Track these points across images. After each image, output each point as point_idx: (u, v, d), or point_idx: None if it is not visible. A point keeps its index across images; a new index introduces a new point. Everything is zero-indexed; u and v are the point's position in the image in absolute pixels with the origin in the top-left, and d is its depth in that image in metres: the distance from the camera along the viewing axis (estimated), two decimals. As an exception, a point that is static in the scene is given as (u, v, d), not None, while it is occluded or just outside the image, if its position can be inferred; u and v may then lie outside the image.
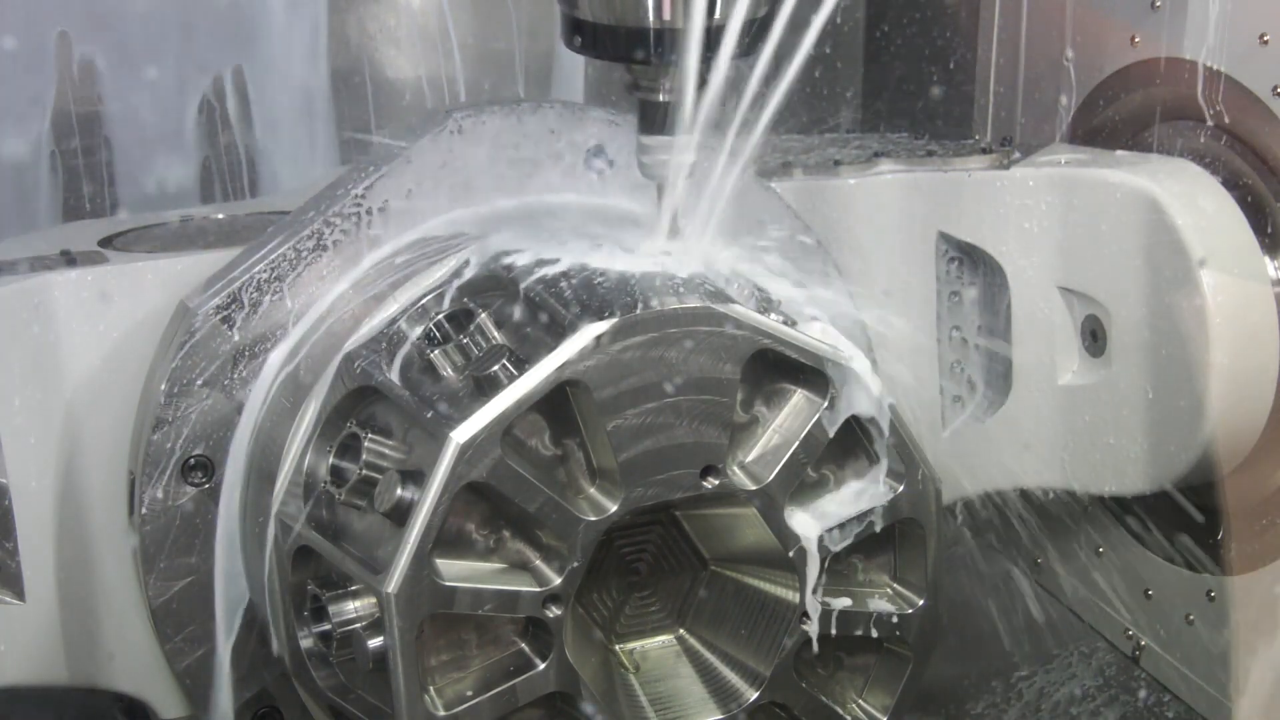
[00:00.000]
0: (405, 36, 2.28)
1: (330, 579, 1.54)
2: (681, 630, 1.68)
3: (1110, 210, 1.85)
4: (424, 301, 1.61)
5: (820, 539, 1.57)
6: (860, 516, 1.59)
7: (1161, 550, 2.03)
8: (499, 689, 1.50)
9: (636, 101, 1.56)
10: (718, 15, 1.45)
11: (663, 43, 1.48)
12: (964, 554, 2.26)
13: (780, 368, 1.56)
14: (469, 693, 1.50)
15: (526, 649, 1.52)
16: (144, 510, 1.66)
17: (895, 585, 1.66)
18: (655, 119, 1.54)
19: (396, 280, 1.66)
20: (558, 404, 1.48)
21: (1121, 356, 1.88)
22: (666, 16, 1.47)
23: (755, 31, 1.48)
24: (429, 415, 1.45)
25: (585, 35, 1.52)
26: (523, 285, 1.57)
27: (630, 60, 1.51)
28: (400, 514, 1.44)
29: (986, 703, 2.17)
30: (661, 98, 1.53)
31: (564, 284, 1.56)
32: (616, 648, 1.66)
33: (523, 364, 1.45)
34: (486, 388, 1.44)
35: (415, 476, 1.44)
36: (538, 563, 1.50)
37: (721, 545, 1.64)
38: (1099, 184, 1.86)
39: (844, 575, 1.65)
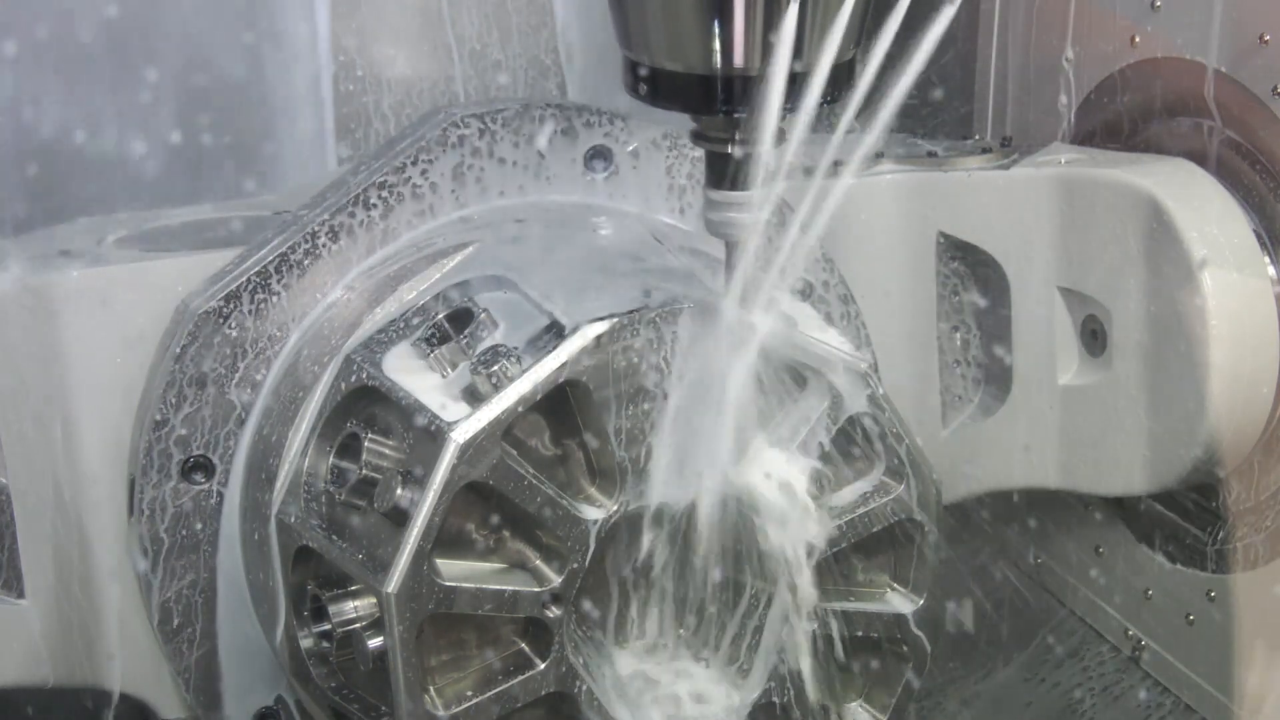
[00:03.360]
0: (405, 35, 2.28)
1: (330, 579, 1.54)
2: (681, 630, 1.68)
3: (1110, 210, 1.85)
4: (424, 302, 1.61)
5: (820, 539, 1.57)
6: (860, 516, 1.59)
7: (1162, 550, 2.03)
8: (499, 689, 1.50)
9: (705, 154, 1.43)
10: (799, 63, 1.33)
11: (734, 92, 1.36)
12: (963, 554, 2.26)
13: (781, 367, 1.56)
14: (469, 693, 1.50)
15: (526, 649, 1.52)
16: (144, 510, 1.66)
17: (895, 585, 1.66)
18: (724, 173, 1.42)
19: (396, 280, 1.66)
20: (558, 404, 1.48)
21: (1121, 356, 1.88)
22: (739, 64, 1.34)
23: (836, 79, 1.37)
24: (429, 415, 1.45)
25: (650, 83, 1.40)
26: (522, 285, 1.58)
27: (702, 111, 1.40)
28: (400, 514, 1.44)
29: (986, 702, 2.17)
30: (731, 150, 1.41)
31: (564, 281, 1.56)
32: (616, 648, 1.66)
33: (523, 364, 1.45)
34: (486, 388, 1.44)
35: (415, 476, 1.45)
36: (538, 563, 1.50)
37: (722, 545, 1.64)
38: (1099, 184, 1.86)
39: (844, 575, 1.65)
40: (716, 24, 1.33)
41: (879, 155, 2.00)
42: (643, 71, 1.40)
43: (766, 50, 1.32)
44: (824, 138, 1.39)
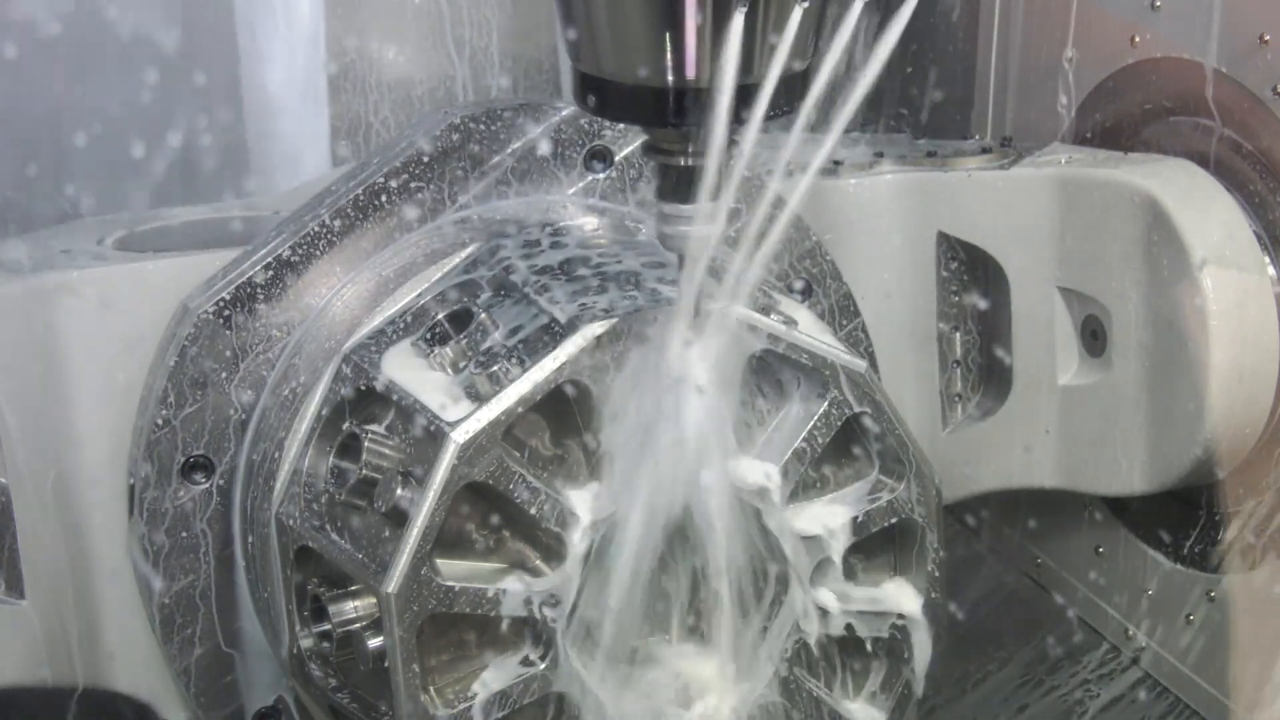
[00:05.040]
0: (405, 36, 2.28)
1: (330, 579, 1.54)
2: (681, 630, 1.68)
3: (1110, 210, 1.85)
4: (424, 301, 1.61)
5: (819, 539, 1.57)
6: (859, 517, 1.59)
7: (1162, 550, 2.03)
8: (499, 689, 1.50)
9: (655, 166, 1.41)
10: (751, 74, 1.30)
11: (687, 104, 1.32)
12: (963, 554, 2.26)
13: (780, 368, 1.56)
14: (469, 693, 1.50)
15: (526, 649, 1.52)
16: (144, 511, 1.66)
17: (895, 585, 1.66)
18: (677, 185, 1.39)
19: (396, 280, 1.66)
20: (558, 404, 1.48)
21: (1121, 356, 1.88)
22: (691, 75, 1.31)
23: (790, 89, 1.34)
24: (429, 415, 1.45)
25: (600, 95, 1.37)
26: (522, 285, 1.58)
27: (653, 124, 1.37)
28: (400, 514, 1.44)
29: (985, 703, 2.18)
30: (684, 162, 1.38)
31: (565, 282, 1.56)
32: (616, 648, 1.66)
33: (523, 364, 1.45)
34: (486, 388, 1.44)
35: (415, 476, 1.45)
36: (537, 563, 1.50)
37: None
38: (1099, 184, 1.86)
39: (844, 575, 1.65)
40: (667, 35, 1.29)
41: (879, 155, 2.00)
42: (593, 84, 1.37)
43: (721, 63, 1.28)
44: (810, 140, 1.38)
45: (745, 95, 1.30)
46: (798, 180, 1.40)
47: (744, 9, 1.26)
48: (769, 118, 1.32)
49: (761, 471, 1.54)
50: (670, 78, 1.31)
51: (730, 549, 1.54)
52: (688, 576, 1.64)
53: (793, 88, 1.34)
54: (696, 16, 1.28)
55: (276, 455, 1.59)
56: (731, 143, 1.33)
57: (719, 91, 1.29)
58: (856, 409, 1.56)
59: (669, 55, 1.31)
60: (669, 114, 1.34)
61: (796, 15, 1.29)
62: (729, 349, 1.47)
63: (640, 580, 1.54)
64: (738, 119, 1.31)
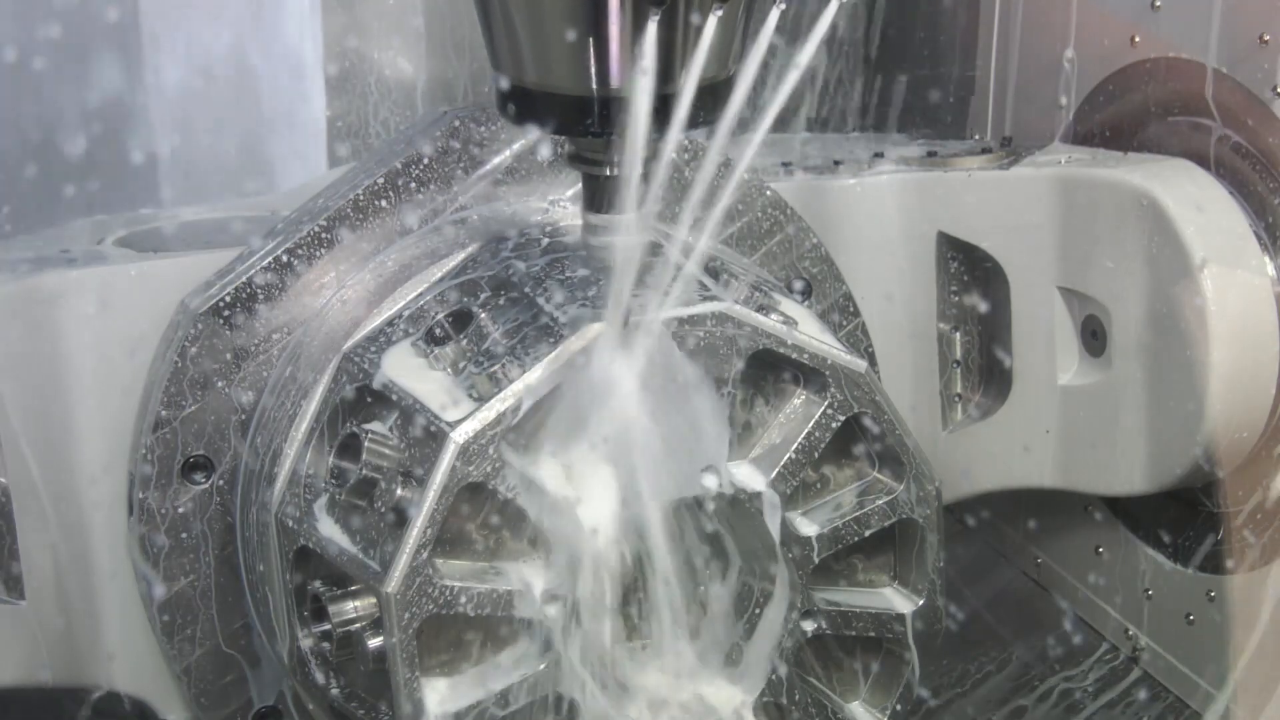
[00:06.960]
0: (405, 37, 2.28)
1: (330, 579, 1.54)
2: (682, 630, 1.68)
3: (1110, 210, 1.85)
4: (423, 302, 1.61)
5: (820, 539, 1.57)
6: (859, 517, 1.59)
7: (1162, 550, 2.03)
8: (499, 689, 1.50)
9: (582, 177, 1.40)
10: (673, 82, 1.28)
11: (609, 113, 1.31)
12: (963, 554, 2.26)
13: (780, 368, 1.56)
14: (468, 692, 1.50)
15: (527, 649, 1.52)
16: (144, 510, 1.66)
17: (895, 585, 1.66)
18: (602, 196, 1.39)
19: (396, 280, 1.66)
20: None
21: (1121, 356, 1.88)
22: (614, 84, 1.30)
23: (715, 97, 1.32)
24: (429, 415, 1.45)
25: (521, 103, 1.36)
26: (521, 286, 1.58)
27: (574, 132, 1.36)
28: (400, 514, 1.44)
29: (985, 702, 2.18)
30: (609, 172, 1.38)
31: (563, 282, 1.56)
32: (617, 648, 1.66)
33: (522, 364, 1.45)
34: (486, 388, 1.44)
35: (415, 476, 1.45)
36: (538, 563, 1.50)
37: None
38: (1099, 184, 1.86)
39: (844, 575, 1.65)
40: (587, 43, 1.28)
41: (879, 155, 2.00)
42: (516, 92, 1.35)
43: (638, 70, 1.27)
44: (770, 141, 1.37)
45: (667, 104, 1.28)
46: (795, 182, 1.39)
47: (657, 16, 1.25)
48: (692, 126, 1.30)
49: (757, 473, 1.54)
50: (592, 86, 1.30)
51: (711, 549, 1.55)
52: (683, 578, 1.65)
53: (718, 96, 1.32)
54: (614, 24, 1.26)
55: (276, 455, 1.59)
56: (656, 152, 1.31)
57: (636, 100, 1.27)
58: (856, 410, 1.56)
59: (588, 63, 1.29)
60: (590, 123, 1.32)
61: (712, 23, 1.28)
62: (667, 353, 1.46)
63: (634, 581, 1.54)
64: (660, 128, 1.29)
